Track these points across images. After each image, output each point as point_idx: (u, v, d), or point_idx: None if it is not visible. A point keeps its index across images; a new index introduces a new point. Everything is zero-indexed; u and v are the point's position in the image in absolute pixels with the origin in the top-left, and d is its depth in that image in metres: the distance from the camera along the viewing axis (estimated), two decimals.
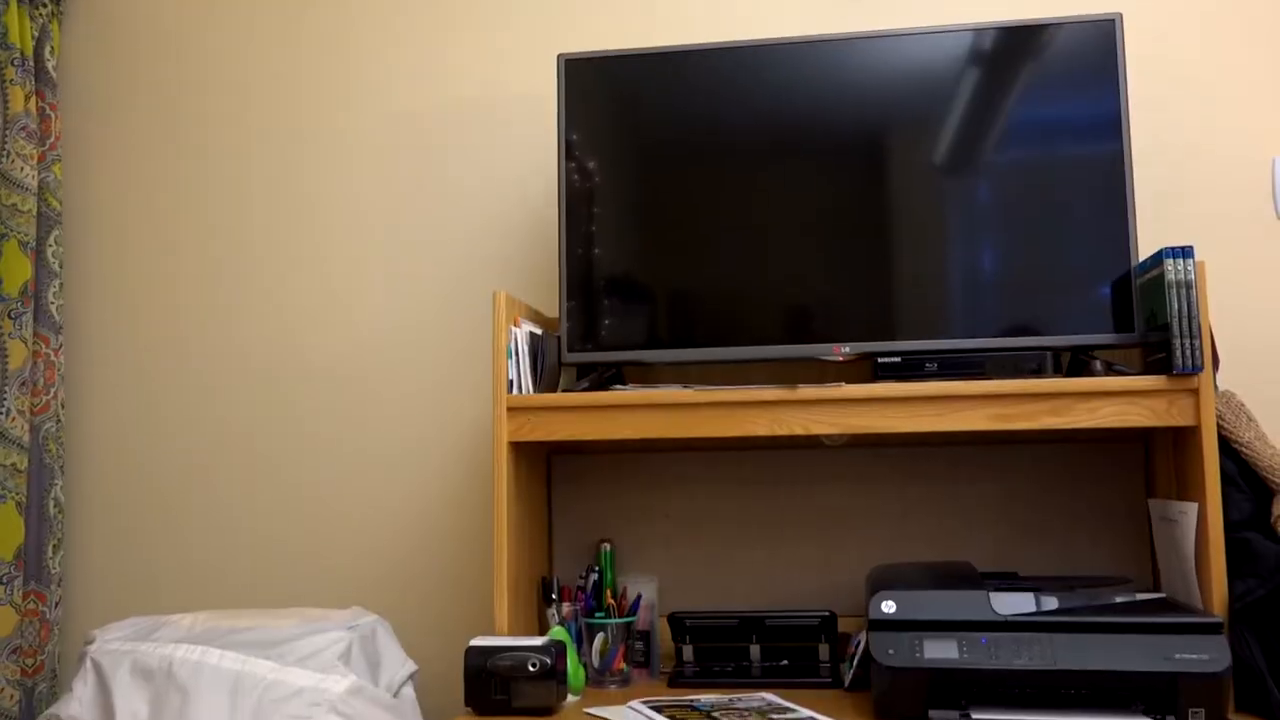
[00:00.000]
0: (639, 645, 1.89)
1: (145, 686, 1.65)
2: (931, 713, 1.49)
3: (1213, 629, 1.46)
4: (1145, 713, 1.45)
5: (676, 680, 1.79)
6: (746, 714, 1.54)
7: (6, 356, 2.13)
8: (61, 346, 2.24)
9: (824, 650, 1.81)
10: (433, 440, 2.14)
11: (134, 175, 2.30)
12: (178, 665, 1.65)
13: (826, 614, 1.78)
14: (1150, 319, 1.70)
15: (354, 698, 1.65)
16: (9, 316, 2.14)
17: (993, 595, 1.55)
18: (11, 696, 2.04)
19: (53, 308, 2.20)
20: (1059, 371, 1.81)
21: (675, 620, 1.82)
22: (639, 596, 1.89)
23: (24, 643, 2.08)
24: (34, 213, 2.18)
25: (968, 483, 1.94)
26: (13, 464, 2.11)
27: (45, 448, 2.16)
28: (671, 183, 1.88)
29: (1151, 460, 1.86)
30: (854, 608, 1.92)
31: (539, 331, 1.89)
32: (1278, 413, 1.89)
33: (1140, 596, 1.58)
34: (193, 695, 1.61)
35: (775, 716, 1.52)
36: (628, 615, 1.83)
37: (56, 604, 2.15)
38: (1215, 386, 1.69)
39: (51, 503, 2.16)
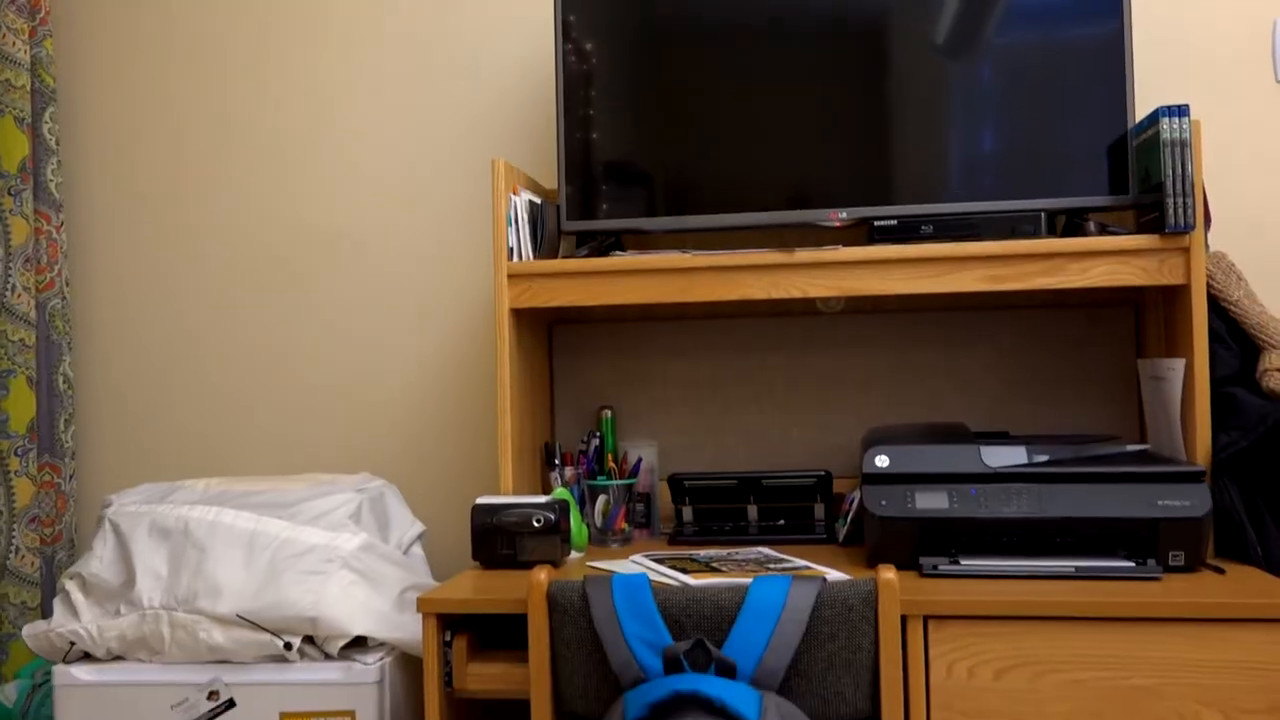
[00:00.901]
0: (640, 507, 1.95)
1: (163, 544, 1.71)
2: (921, 559, 1.55)
3: (1195, 477, 1.51)
4: (1127, 557, 1.51)
5: (676, 539, 1.86)
6: (744, 564, 1.60)
7: (9, 233, 2.15)
8: (63, 224, 2.25)
9: (819, 509, 1.87)
10: (436, 310, 2.17)
11: (128, 49, 2.29)
12: (194, 524, 1.71)
13: (822, 474, 1.84)
14: (1144, 180, 1.71)
15: (365, 554, 1.71)
16: (8, 193, 2.15)
17: (983, 449, 1.60)
18: (32, 563, 2.11)
19: (51, 185, 2.21)
20: (1054, 234, 1.83)
21: (675, 482, 1.88)
22: (639, 460, 1.94)
23: (41, 513, 2.15)
24: (28, 88, 2.17)
25: (962, 347, 1.98)
26: (21, 340, 2.14)
27: (52, 324, 2.19)
28: (670, 63, 1.87)
29: (1142, 323, 1.90)
30: (849, 469, 1.98)
31: (538, 201, 1.90)
32: (1267, 273, 1.92)
33: (1126, 448, 1.63)
34: (210, 552, 1.68)
35: (772, 566, 1.58)
36: (629, 478, 1.89)
37: (71, 476, 2.20)
38: (1206, 246, 1.72)
39: (60, 378, 2.20)
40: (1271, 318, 1.68)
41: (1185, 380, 1.66)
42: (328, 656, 1.64)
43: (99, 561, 1.73)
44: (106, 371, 2.28)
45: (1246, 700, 1.32)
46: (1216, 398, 1.65)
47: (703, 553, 1.72)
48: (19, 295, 2.15)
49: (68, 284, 2.27)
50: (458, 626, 1.53)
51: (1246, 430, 1.60)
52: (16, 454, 2.11)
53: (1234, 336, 1.70)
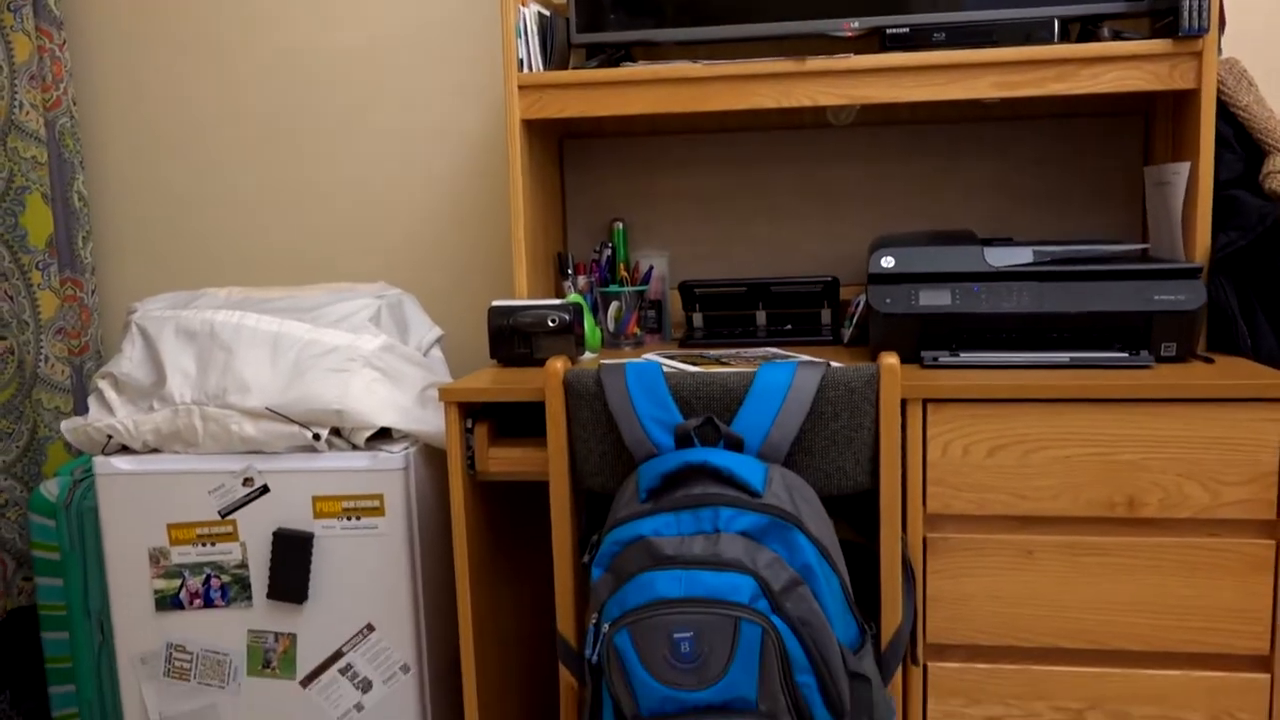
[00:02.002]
0: (651, 313, 2.02)
1: (190, 346, 1.78)
2: (923, 353, 1.62)
3: (1191, 274, 1.57)
4: (1122, 349, 1.57)
5: (687, 342, 1.93)
6: (753, 359, 1.67)
7: (12, 51, 2.15)
8: (65, 42, 2.25)
9: (826, 314, 1.94)
10: (449, 124, 2.19)
11: None
12: (219, 327, 1.78)
13: (829, 279, 1.90)
14: None
15: (386, 354, 1.79)
16: (9, 9, 2.15)
17: (987, 250, 1.65)
18: (63, 372, 2.20)
19: (51, 1, 2.20)
20: (1068, 41, 1.84)
21: (685, 288, 1.94)
22: (650, 268, 2.00)
23: (67, 325, 2.22)
24: None
25: (970, 158, 2.01)
26: (33, 157, 2.17)
27: (62, 143, 2.22)
28: None
29: (1150, 131, 1.92)
30: (856, 277, 2.04)
31: (547, 13, 1.90)
32: (1278, 78, 1.93)
33: (1126, 247, 1.68)
34: (236, 352, 1.75)
35: (778, 360, 1.65)
36: (640, 284, 1.95)
37: (93, 291, 2.27)
38: (1219, 50, 1.73)
39: (75, 195, 2.24)
40: (1279, 123, 1.71)
41: (1189, 183, 1.70)
42: (354, 447, 1.74)
43: (129, 361, 1.80)
44: (121, 189, 2.32)
45: (1226, 473, 1.41)
46: (1219, 200, 1.70)
47: (712, 352, 1.79)
48: (27, 113, 2.17)
49: (75, 103, 2.28)
50: (478, 416, 1.61)
51: (1246, 230, 1.65)
52: (38, 268, 2.16)
53: (1240, 141, 1.73)
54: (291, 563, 1.72)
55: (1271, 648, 1.43)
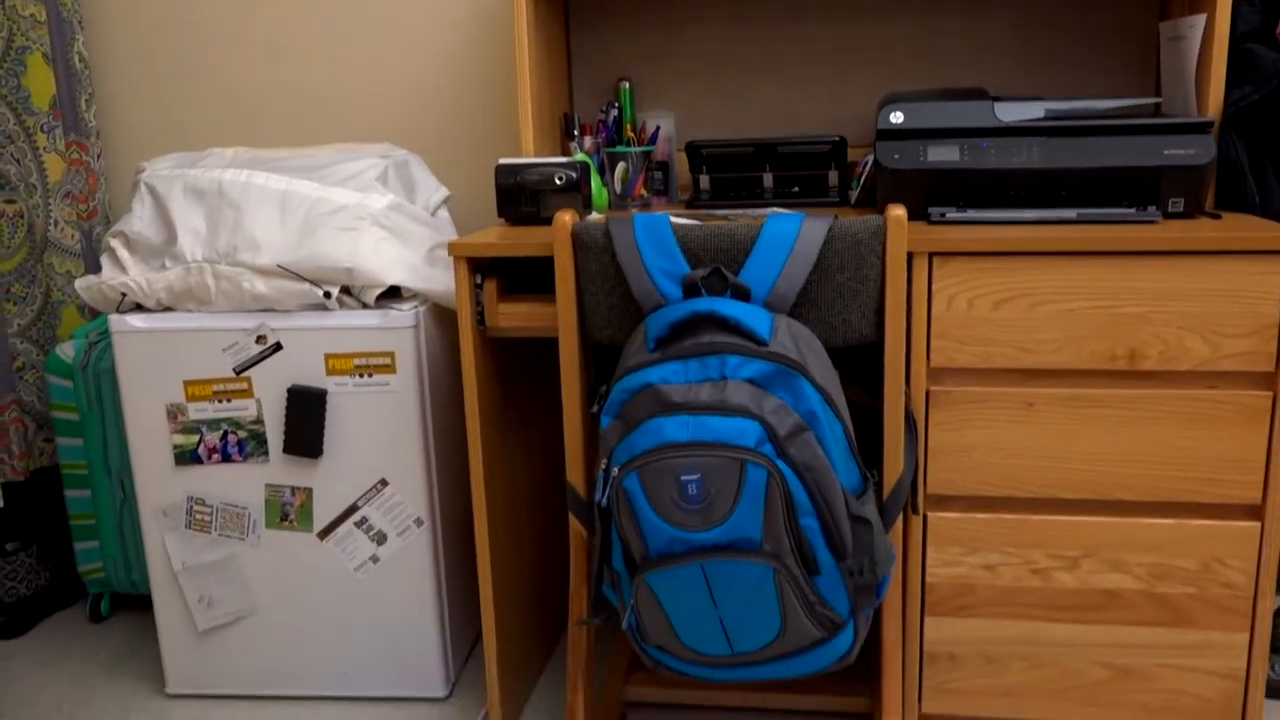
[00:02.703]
0: (658, 175, 2.00)
1: (199, 204, 1.78)
2: (931, 209, 1.61)
3: (1201, 128, 1.54)
4: (1130, 205, 1.56)
5: (694, 204, 1.92)
6: (758, 217, 1.66)
7: None
8: None
9: (833, 176, 1.92)
10: None
11: None
12: (227, 185, 1.77)
13: (837, 139, 1.87)
14: None
15: (394, 213, 1.78)
16: None
17: (997, 105, 1.62)
18: (72, 236, 2.20)
19: None
20: None
21: (692, 149, 1.91)
22: (657, 128, 1.97)
23: (74, 189, 2.21)
24: None
25: (981, 14, 1.96)
26: (31, 15, 2.13)
27: (60, 1, 2.17)
28: None
29: None
30: (864, 138, 2.02)
31: None
32: None
33: (1137, 102, 1.65)
34: (245, 210, 1.75)
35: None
36: (647, 145, 1.93)
37: (99, 155, 2.25)
38: None
39: (76, 57, 2.20)
40: None
41: (1204, 37, 1.66)
42: (364, 306, 1.75)
43: (139, 220, 1.80)
44: (120, 50, 2.28)
45: (1228, 325, 1.41)
46: (1234, 54, 1.66)
47: (719, 212, 1.78)
48: None
49: None
50: (486, 272, 1.61)
51: (1259, 84, 1.62)
52: (43, 130, 2.14)
53: None
54: (306, 418, 1.75)
55: (1263, 497, 1.45)
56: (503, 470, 1.76)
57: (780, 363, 1.33)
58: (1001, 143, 1.59)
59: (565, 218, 1.48)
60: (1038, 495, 1.51)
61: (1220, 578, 1.49)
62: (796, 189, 1.94)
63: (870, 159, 1.84)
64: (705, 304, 1.36)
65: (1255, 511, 1.47)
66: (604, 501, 1.36)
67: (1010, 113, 1.61)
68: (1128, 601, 1.52)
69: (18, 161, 2.13)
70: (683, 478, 1.29)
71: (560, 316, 1.50)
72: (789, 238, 1.40)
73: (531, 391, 1.90)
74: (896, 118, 1.63)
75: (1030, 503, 1.53)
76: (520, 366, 1.84)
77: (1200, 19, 1.67)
